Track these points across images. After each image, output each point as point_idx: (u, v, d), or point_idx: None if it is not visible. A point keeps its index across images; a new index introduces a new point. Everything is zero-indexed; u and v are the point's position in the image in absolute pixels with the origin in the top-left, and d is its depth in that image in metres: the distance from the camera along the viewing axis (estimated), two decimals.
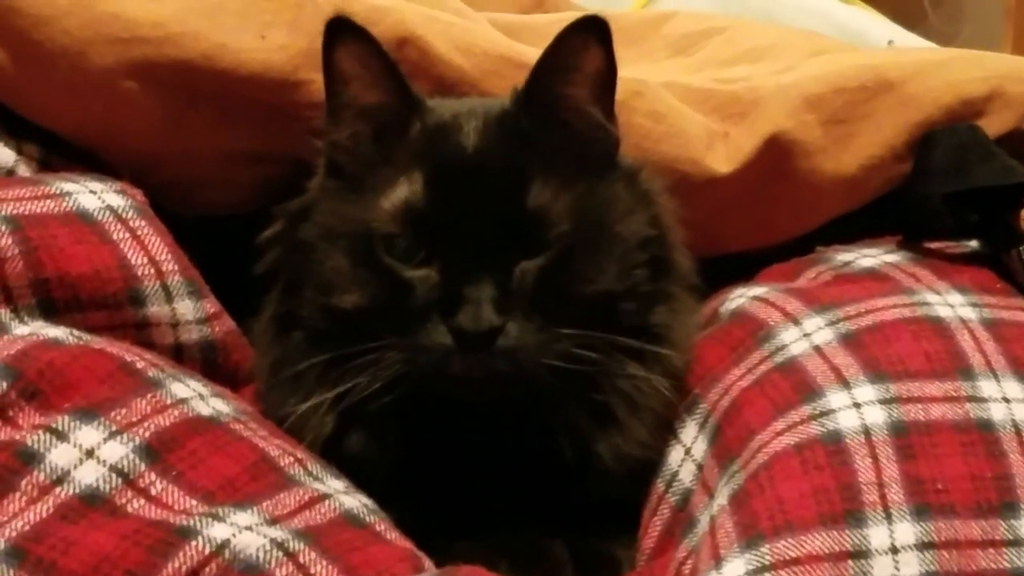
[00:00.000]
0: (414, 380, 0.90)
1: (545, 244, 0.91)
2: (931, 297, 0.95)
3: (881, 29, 1.79)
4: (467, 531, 0.92)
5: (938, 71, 1.13)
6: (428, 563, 0.87)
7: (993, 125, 1.11)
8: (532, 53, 1.04)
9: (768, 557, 0.78)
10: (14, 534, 0.79)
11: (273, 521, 0.84)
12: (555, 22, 1.44)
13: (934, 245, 1.05)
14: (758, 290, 1.03)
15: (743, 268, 1.11)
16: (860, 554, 0.78)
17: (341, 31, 0.93)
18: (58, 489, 0.82)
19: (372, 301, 0.92)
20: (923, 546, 0.78)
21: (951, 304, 0.94)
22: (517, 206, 0.91)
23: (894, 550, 0.78)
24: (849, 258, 1.07)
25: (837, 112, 1.11)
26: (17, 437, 0.84)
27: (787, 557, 0.78)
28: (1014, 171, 1.04)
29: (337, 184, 0.96)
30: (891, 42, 1.59)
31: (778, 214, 1.13)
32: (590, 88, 0.94)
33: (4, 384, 0.85)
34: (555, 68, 0.93)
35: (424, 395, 0.91)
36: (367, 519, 0.88)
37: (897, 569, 0.78)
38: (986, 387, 0.87)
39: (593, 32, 0.91)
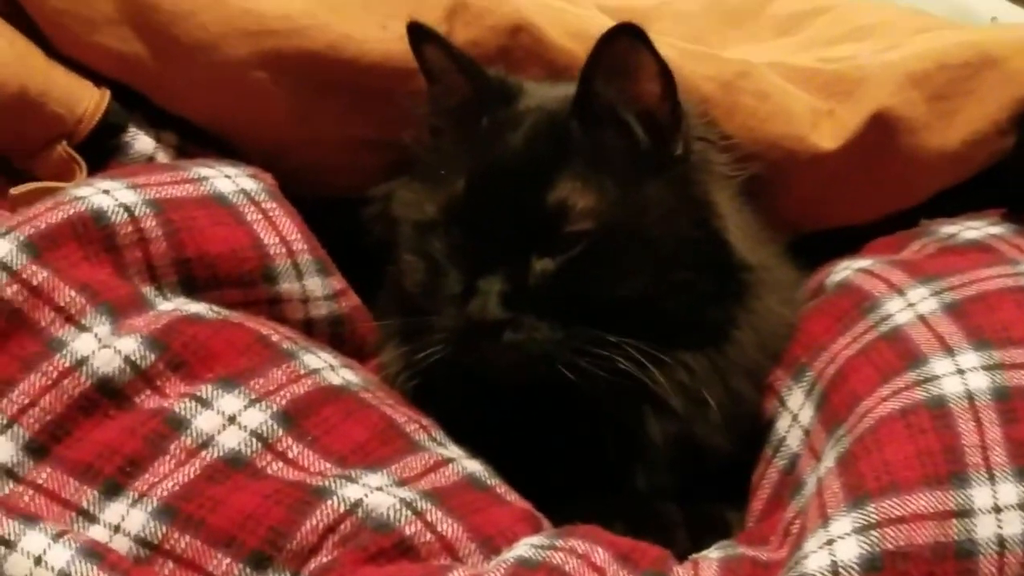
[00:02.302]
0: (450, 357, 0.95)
1: (564, 241, 0.93)
2: None
3: (987, 4, 1.77)
4: (563, 495, 0.95)
5: None
6: (546, 523, 0.92)
7: None
8: None
9: (874, 516, 0.80)
10: (165, 493, 0.85)
11: (401, 483, 0.88)
12: (661, 4, 1.46)
13: None
14: (863, 263, 1.05)
15: (849, 242, 1.13)
16: (964, 513, 0.79)
17: (420, 33, 0.99)
18: (204, 452, 0.87)
19: (419, 285, 0.99)
20: None
21: None
22: (538, 202, 0.93)
23: (997, 509, 0.80)
24: (953, 230, 1.08)
25: (941, 88, 1.12)
26: (165, 405, 0.90)
27: (892, 516, 0.80)
28: None
29: (414, 174, 1.03)
30: (994, 19, 1.58)
31: (883, 189, 1.14)
32: (652, 89, 0.95)
33: (152, 356, 0.91)
34: (607, 74, 0.94)
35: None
36: (488, 482, 0.93)
37: (1000, 527, 0.79)
38: None
39: (636, 37, 0.92)
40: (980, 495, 0.81)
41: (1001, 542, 0.79)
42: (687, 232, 0.96)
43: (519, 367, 0.93)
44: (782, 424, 0.99)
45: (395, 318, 1.03)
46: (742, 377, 0.99)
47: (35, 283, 0.91)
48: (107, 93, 1.11)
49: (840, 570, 0.78)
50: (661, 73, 0.95)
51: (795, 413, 0.98)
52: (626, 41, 0.93)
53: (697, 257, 0.96)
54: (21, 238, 0.93)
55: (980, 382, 0.86)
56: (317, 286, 1.04)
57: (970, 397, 0.85)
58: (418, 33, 1.00)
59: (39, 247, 0.93)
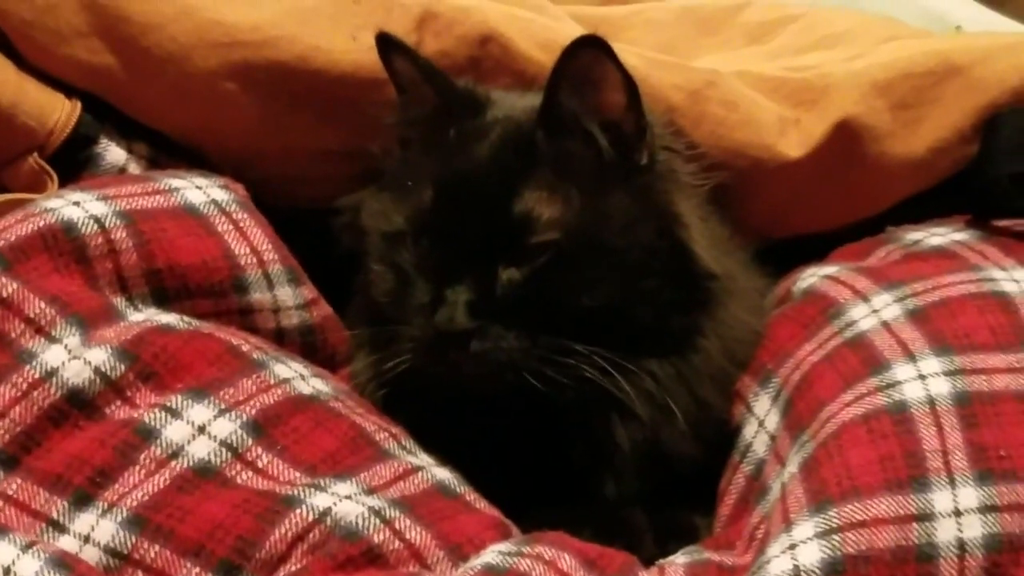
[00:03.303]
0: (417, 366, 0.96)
1: (530, 252, 0.94)
2: (997, 273, 0.97)
3: (963, 11, 1.77)
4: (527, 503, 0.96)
5: (1006, 55, 1.14)
6: (515, 530, 0.92)
7: None
8: None
9: (836, 520, 0.81)
10: (135, 503, 0.85)
11: (370, 491, 0.89)
12: (633, 14, 1.47)
13: (1002, 223, 1.07)
14: (829, 269, 1.06)
15: (816, 249, 1.14)
16: (925, 517, 0.81)
17: (389, 44, 1.00)
18: (173, 462, 0.88)
19: (387, 295, 0.99)
20: (986, 509, 0.81)
21: (1016, 280, 0.96)
22: (503, 213, 0.94)
23: (957, 513, 0.81)
24: (918, 237, 1.09)
25: (906, 97, 1.13)
26: (135, 415, 0.90)
27: (854, 520, 0.81)
28: None
29: (382, 184, 1.04)
30: (959, 27, 1.59)
31: (849, 197, 1.15)
32: (616, 100, 0.96)
33: (123, 367, 0.91)
34: (571, 85, 0.95)
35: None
36: (457, 490, 0.94)
37: (960, 531, 0.80)
38: None
39: (600, 49, 0.93)
40: (941, 499, 0.82)
41: (961, 545, 0.80)
42: (651, 241, 0.96)
43: (486, 376, 0.94)
44: (749, 430, 1.00)
45: (365, 328, 1.04)
46: (708, 385, 1.00)
47: (5, 295, 0.92)
48: (78, 105, 1.11)
49: (802, 574, 0.79)
50: (625, 84, 0.95)
51: (761, 419, 0.99)
52: (590, 53, 0.93)
53: (662, 266, 0.96)
54: None
55: (941, 387, 0.87)
56: (288, 296, 1.05)
57: (931, 402, 0.87)
58: (387, 44, 1.01)
59: (9, 259, 0.94)
